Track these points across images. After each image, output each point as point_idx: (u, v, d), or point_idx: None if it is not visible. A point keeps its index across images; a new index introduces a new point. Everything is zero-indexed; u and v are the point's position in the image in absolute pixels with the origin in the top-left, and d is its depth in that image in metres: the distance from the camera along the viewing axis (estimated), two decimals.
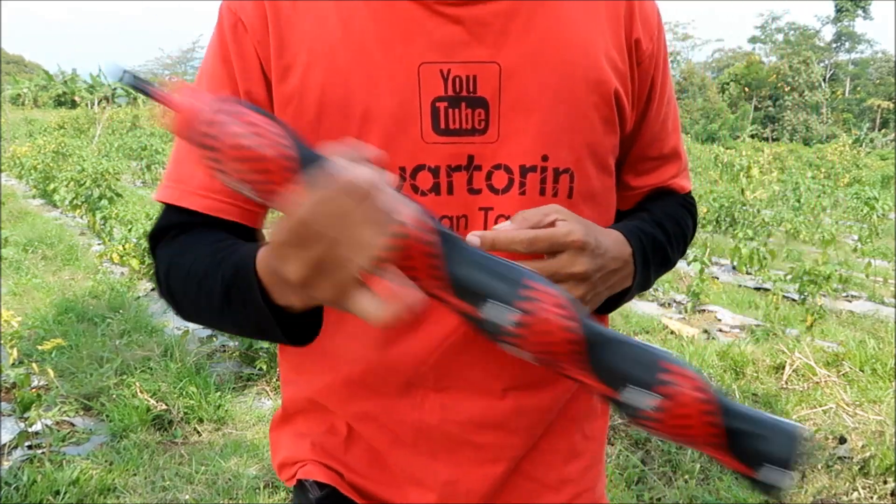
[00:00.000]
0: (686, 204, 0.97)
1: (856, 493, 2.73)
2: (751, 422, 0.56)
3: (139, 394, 3.31)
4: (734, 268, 6.91)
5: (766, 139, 38.67)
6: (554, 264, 0.71)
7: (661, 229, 0.88)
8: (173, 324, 4.45)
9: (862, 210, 9.26)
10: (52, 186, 8.24)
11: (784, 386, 3.72)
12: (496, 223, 0.79)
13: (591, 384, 0.58)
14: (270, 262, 0.63)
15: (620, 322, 4.98)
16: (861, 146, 25.04)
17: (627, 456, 2.99)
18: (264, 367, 3.66)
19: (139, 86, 0.55)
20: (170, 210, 0.82)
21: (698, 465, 2.94)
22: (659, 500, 2.76)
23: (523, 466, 0.87)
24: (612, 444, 3.11)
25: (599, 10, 0.82)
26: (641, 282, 0.84)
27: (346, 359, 0.84)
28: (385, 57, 0.77)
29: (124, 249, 5.27)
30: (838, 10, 55.30)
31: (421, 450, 0.84)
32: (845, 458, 2.97)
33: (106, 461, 2.87)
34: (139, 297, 4.99)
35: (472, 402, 0.83)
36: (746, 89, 45.83)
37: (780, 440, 0.55)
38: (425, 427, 0.83)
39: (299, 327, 0.70)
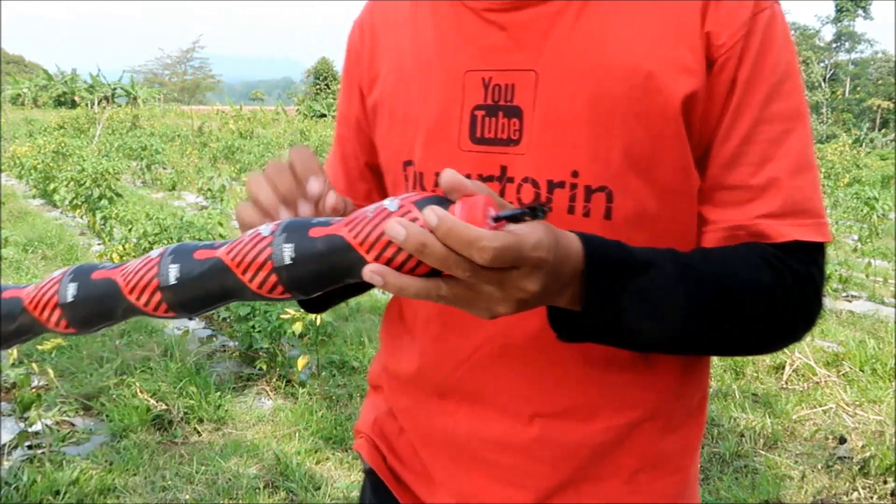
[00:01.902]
0: (771, 256, 0.70)
1: (856, 493, 2.73)
2: None
3: (139, 394, 3.31)
4: None
5: None
6: (506, 282, 0.56)
7: (679, 264, 0.67)
8: (173, 324, 4.45)
9: (862, 210, 9.25)
10: (52, 186, 8.23)
11: (784, 386, 3.72)
12: None
13: None
14: None
15: None
16: (861, 146, 25.02)
17: None
18: (264, 367, 3.65)
19: None
20: None
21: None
22: None
23: (554, 502, 0.81)
24: None
25: (667, 4, 0.71)
26: (599, 314, 0.64)
27: (399, 350, 0.88)
28: (439, 63, 0.78)
29: (124, 249, 5.27)
30: (838, 10, 55.27)
31: (449, 455, 0.85)
32: (845, 458, 2.97)
33: (106, 461, 2.87)
34: None
35: (497, 423, 0.80)
36: None
37: None
38: (453, 436, 0.83)
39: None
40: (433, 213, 0.53)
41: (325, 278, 0.57)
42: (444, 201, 0.55)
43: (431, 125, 0.78)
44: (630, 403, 0.78)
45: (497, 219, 0.54)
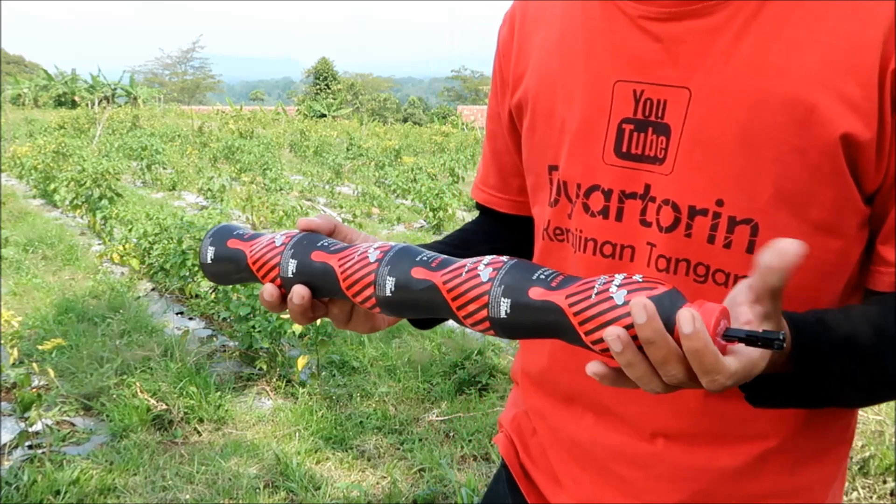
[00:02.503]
0: None
1: (856, 493, 2.73)
2: None
3: (139, 394, 3.31)
4: None
5: None
6: (713, 385, 0.54)
7: (866, 323, 0.66)
8: (173, 324, 4.45)
9: None
10: (52, 186, 8.23)
11: None
12: (657, 263, 0.73)
13: None
14: None
15: None
16: None
17: None
18: (264, 367, 3.66)
19: None
20: None
21: None
22: None
23: None
24: None
25: (839, 33, 0.65)
26: (800, 392, 0.67)
27: (532, 350, 0.89)
28: (586, 69, 0.76)
29: (124, 249, 5.27)
30: None
31: (575, 459, 0.85)
32: None
33: (106, 461, 2.88)
34: (139, 297, 4.99)
35: (620, 435, 0.80)
36: None
37: None
38: (578, 441, 0.84)
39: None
40: (690, 320, 0.51)
41: (532, 333, 0.61)
42: (676, 298, 0.54)
43: (576, 133, 0.76)
44: (756, 434, 0.76)
45: (728, 336, 0.53)
